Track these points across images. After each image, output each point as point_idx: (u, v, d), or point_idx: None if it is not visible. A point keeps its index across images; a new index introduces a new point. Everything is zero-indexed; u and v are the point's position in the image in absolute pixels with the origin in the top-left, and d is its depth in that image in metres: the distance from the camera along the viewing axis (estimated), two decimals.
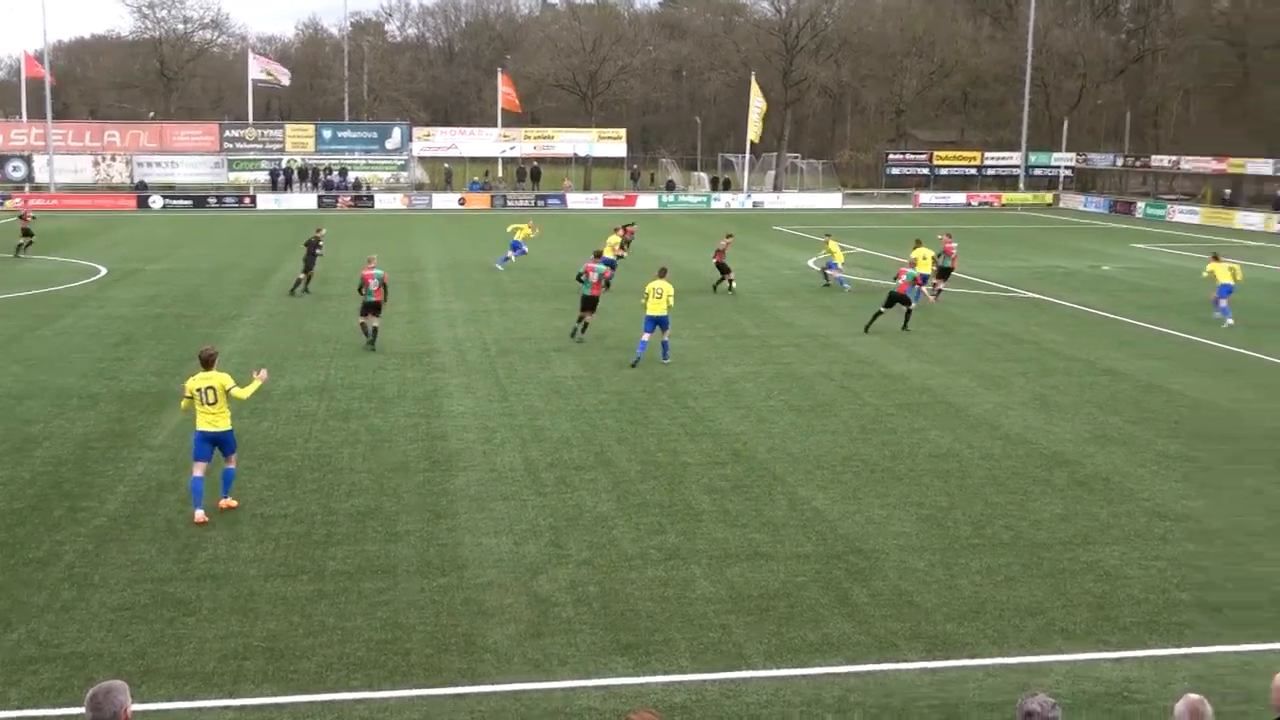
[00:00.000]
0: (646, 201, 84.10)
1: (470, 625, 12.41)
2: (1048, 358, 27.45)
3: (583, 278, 28.69)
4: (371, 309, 27.66)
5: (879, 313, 30.51)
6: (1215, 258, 33.98)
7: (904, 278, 30.83)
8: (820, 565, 14.19)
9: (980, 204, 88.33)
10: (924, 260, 35.07)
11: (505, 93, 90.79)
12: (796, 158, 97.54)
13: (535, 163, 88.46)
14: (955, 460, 18.77)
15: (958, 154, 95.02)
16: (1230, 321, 32.26)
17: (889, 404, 22.58)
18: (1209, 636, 12.34)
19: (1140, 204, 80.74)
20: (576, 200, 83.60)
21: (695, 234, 58.34)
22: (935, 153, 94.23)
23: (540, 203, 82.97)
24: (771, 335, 30.01)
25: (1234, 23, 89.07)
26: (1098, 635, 12.35)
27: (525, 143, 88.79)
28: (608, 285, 31.67)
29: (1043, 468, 18.42)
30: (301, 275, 36.66)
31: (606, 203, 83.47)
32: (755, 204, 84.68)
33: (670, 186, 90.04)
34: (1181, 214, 75.84)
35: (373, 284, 27.46)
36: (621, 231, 42.28)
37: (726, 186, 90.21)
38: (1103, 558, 14.52)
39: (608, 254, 40.01)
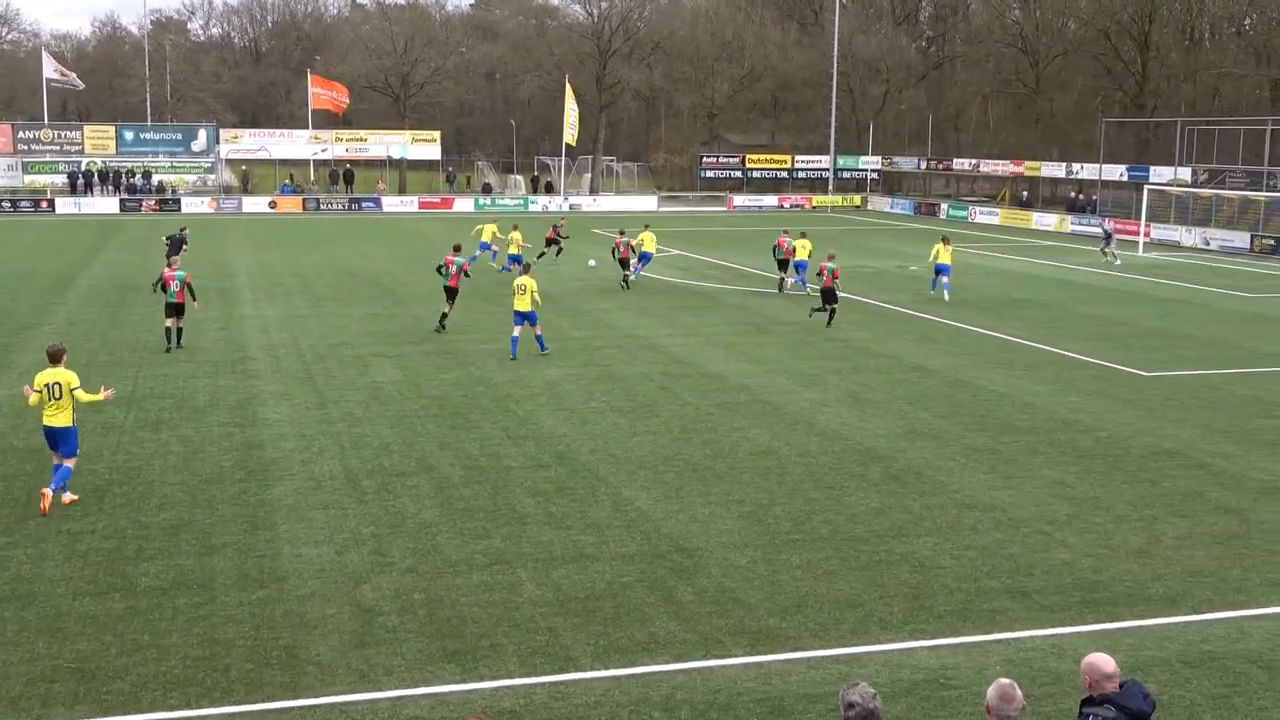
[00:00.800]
0: (463, 204, 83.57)
1: (292, 638, 12.15)
2: (859, 355, 28.18)
3: (442, 270, 30.23)
4: (174, 310, 27.41)
5: (831, 310, 32.02)
6: (944, 241, 37.99)
7: (825, 273, 32.25)
8: (645, 565, 14.29)
9: (792, 206, 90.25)
10: (803, 250, 38.91)
11: (317, 93, 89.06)
12: (612, 160, 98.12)
13: (348, 165, 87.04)
14: (774, 458, 19.12)
15: (769, 157, 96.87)
16: (947, 296, 36.76)
17: (709, 403, 22.89)
18: (1018, 622, 12.82)
19: (944, 205, 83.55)
20: (391, 203, 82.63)
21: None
22: (748, 156, 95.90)
23: (354, 206, 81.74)
24: (593, 337, 30.13)
25: (1026, 32, 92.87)
26: (914, 625, 12.72)
27: (337, 145, 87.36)
28: (466, 275, 31.73)
29: (858, 463, 18.89)
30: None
31: (422, 205, 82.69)
32: (572, 206, 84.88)
33: (487, 189, 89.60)
34: (982, 215, 78.75)
35: (174, 285, 27.29)
36: (515, 229, 42.07)
37: (549, 189, 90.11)
38: (916, 549, 14.97)
39: (513, 250, 40.58)
